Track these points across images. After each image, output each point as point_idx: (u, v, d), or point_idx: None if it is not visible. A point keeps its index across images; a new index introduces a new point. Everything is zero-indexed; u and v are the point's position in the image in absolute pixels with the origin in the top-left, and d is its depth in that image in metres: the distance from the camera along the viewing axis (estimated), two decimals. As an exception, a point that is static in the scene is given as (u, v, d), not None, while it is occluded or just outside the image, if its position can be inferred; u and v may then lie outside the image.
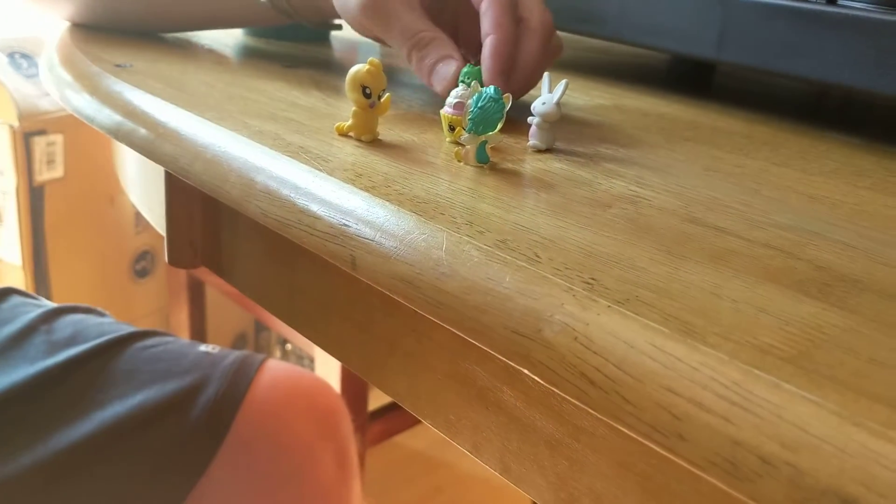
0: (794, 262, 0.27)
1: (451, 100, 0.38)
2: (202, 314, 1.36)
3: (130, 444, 0.54)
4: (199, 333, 1.38)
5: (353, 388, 1.01)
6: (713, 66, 0.69)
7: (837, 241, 0.30)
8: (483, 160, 0.35)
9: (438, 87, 0.41)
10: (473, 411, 0.32)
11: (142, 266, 1.31)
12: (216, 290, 1.37)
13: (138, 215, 1.27)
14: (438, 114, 0.39)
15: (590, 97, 0.52)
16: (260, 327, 1.59)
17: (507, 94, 0.35)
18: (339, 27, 0.60)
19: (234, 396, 0.58)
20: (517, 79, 0.42)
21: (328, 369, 1.04)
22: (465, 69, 0.41)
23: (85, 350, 0.57)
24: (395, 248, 0.28)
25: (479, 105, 0.34)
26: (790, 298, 0.24)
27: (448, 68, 0.41)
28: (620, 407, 0.21)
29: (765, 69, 0.47)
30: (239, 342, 1.53)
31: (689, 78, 0.63)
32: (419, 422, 1.31)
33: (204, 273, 1.29)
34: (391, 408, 1.21)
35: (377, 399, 1.23)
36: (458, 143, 0.36)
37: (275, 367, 0.62)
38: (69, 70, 0.51)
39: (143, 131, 0.40)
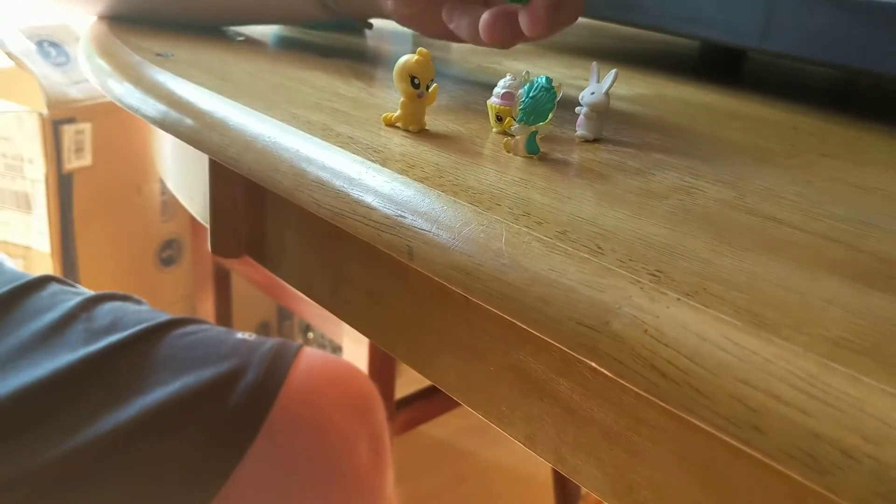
0: (856, 254, 0.27)
1: (498, 90, 0.37)
2: (228, 302, 1.37)
3: (171, 429, 0.55)
4: (224, 321, 1.39)
5: (381, 377, 1.01)
6: (743, 55, 0.68)
7: (895, 232, 0.30)
8: (533, 151, 0.35)
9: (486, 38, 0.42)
10: (527, 403, 0.32)
11: (168, 254, 1.32)
12: (241, 279, 1.37)
13: (165, 204, 1.28)
14: (483, 104, 0.39)
15: (630, 87, 0.52)
16: (283, 316, 1.59)
17: (558, 84, 0.35)
18: (370, 25, 0.60)
19: (273, 383, 0.59)
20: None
21: (356, 359, 1.05)
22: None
23: (125, 337, 0.58)
24: (453, 239, 0.28)
25: (530, 95, 0.34)
26: (857, 291, 0.24)
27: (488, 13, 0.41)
28: (694, 399, 0.21)
29: (809, 59, 0.46)
30: (262, 330, 1.54)
31: (721, 66, 0.63)
32: (444, 411, 1.31)
33: (230, 261, 1.30)
34: (416, 397, 1.21)
35: (402, 388, 1.23)
36: (506, 134, 0.36)
37: (311, 355, 0.63)
38: (109, 60, 0.51)
39: (189, 121, 0.40)
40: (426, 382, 1.26)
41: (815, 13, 0.45)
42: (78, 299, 0.61)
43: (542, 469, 1.45)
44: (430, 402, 1.21)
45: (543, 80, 0.34)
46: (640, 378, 0.22)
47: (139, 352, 0.58)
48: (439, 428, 1.52)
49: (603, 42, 0.70)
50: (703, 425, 0.21)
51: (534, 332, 0.30)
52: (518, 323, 0.26)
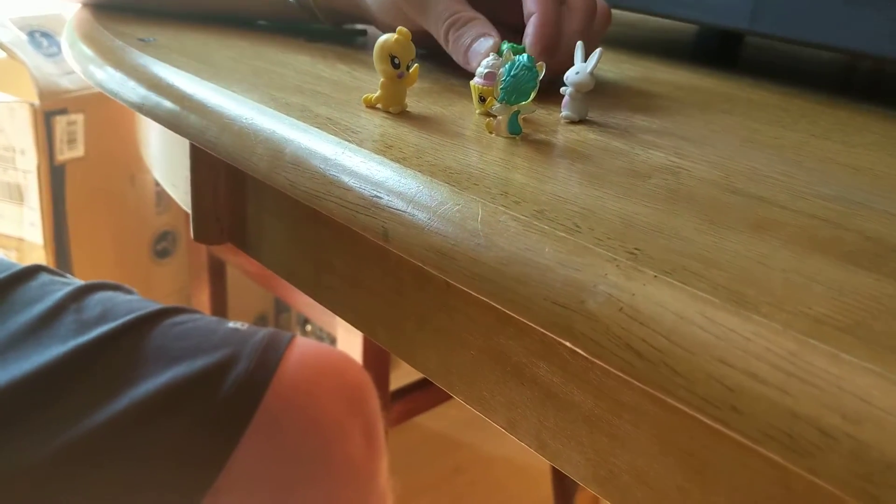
0: (843, 233, 0.26)
1: (481, 70, 0.37)
2: (223, 295, 1.37)
3: (162, 420, 0.54)
4: (220, 314, 1.38)
5: (375, 368, 1.01)
6: (740, 40, 0.67)
7: (884, 211, 0.29)
8: (515, 131, 0.34)
9: (474, 63, 0.40)
10: (508, 388, 0.31)
11: (162, 247, 1.31)
12: (237, 271, 1.37)
13: (159, 195, 1.27)
14: (467, 86, 0.38)
15: (620, 70, 0.51)
16: (280, 308, 1.59)
17: (540, 63, 0.34)
18: (364, 32, 0.59)
19: (265, 372, 0.58)
20: (562, 59, 0.40)
21: (350, 350, 1.04)
22: (503, 45, 0.39)
23: (115, 327, 0.57)
24: (429, 219, 0.27)
25: (511, 74, 0.33)
26: (842, 269, 0.24)
27: (485, 44, 0.39)
28: (670, 379, 0.21)
29: (799, 40, 0.45)
30: (259, 323, 1.53)
31: (717, 51, 0.62)
32: (440, 403, 1.30)
33: (225, 253, 1.29)
34: (412, 388, 1.21)
35: (397, 380, 1.23)
36: (489, 115, 0.36)
37: (303, 344, 0.62)
38: (91, 45, 0.50)
39: (168, 104, 0.40)
40: (419, 375, 1.25)
41: (806, -7, 0.44)
42: (68, 289, 0.61)
43: (539, 460, 1.45)
44: (426, 393, 1.20)
45: (525, 58, 0.33)
46: (616, 358, 0.22)
47: (130, 342, 0.57)
48: (436, 420, 1.52)
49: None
50: (680, 406, 0.21)
51: (513, 315, 0.29)
52: (494, 304, 0.26)
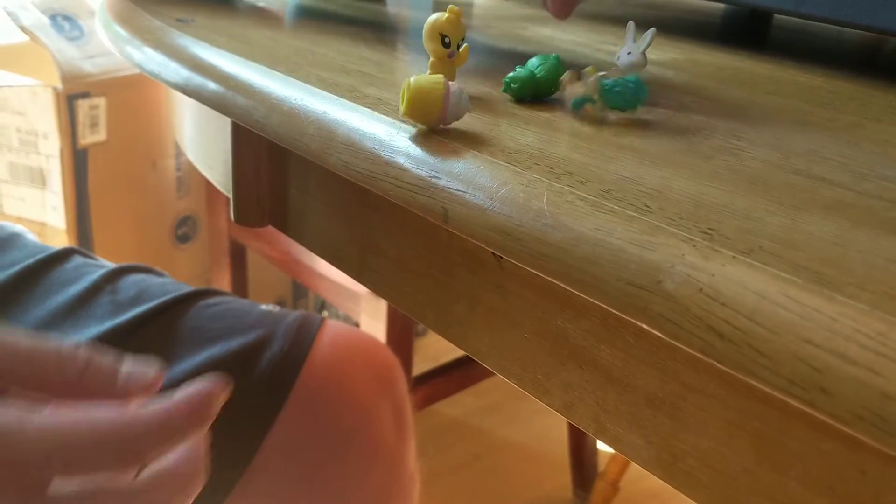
0: (913, 215, 0.26)
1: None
2: (244, 279, 1.37)
3: None
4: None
5: (398, 353, 1.00)
6: (769, 21, 0.67)
7: (951, 193, 0.28)
8: (577, 106, 0.34)
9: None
10: (566, 370, 0.31)
11: (183, 231, 1.31)
12: (257, 255, 1.37)
13: (180, 180, 1.27)
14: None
15: (662, 52, 0.50)
16: (298, 293, 1.59)
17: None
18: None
19: (298, 353, 0.58)
20: None
21: (373, 335, 1.04)
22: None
23: (150, 308, 0.57)
24: (490, 199, 0.27)
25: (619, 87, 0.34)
26: (918, 250, 0.23)
27: None
28: (754, 360, 0.20)
29: (846, 22, 0.45)
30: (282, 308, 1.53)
31: (745, 32, 0.61)
32: (460, 388, 1.30)
33: (245, 237, 1.29)
34: (433, 374, 1.21)
35: (418, 366, 1.23)
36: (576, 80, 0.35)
37: (334, 326, 0.62)
38: (127, 26, 0.50)
39: (213, 85, 0.39)
40: (442, 360, 1.25)
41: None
42: (102, 271, 0.61)
43: (557, 447, 1.45)
44: (447, 378, 1.20)
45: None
46: (695, 339, 0.21)
47: (165, 323, 0.57)
48: (455, 406, 1.52)
49: (627, 10, 0.69)
50: (763, 387, 0.20)
51: (574, 297, 0.29)
52: (562, 285, 0.25)
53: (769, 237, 0.23)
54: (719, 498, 0.26)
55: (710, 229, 0.23)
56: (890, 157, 0.32)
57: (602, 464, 1.34)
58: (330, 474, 0.59)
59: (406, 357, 1.08)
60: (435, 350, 1.67)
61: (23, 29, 1.10)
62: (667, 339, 0.22)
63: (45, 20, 1.12)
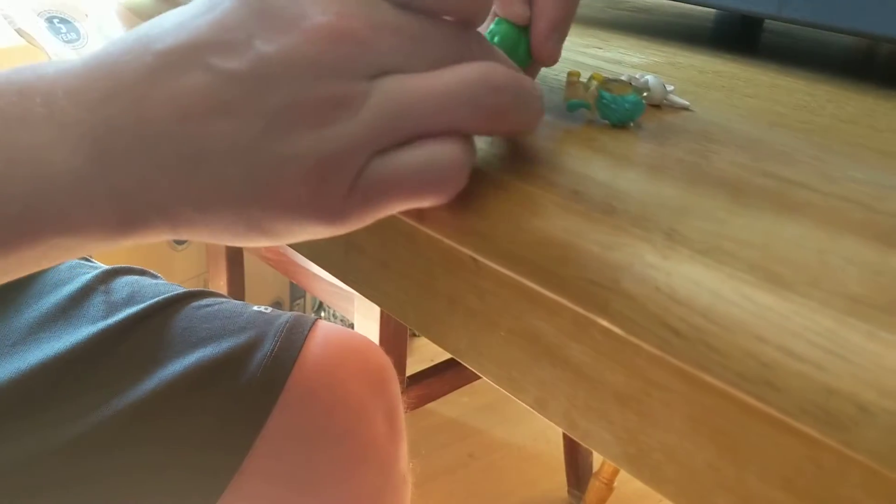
0: (875, 216, 0.27)
1: None
2: (241, 281, 1.37)
3: (189, 401, 0.55)
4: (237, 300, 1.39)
5: (391, 354, 1.01)
6: (760, 25, 0.67)
7: (916, 195, 0.29)
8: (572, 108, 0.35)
9: None
10: (539, 367, 0.31)
11: (180, 232, 1.32)
12: (254, 257, 1.37)
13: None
14: None
15: (644, 55, 0.51)
16: (295, 295, 1.60)
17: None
18: None
19: (289, 354, 0.59)
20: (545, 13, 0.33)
21: (366, 336, 1.05)
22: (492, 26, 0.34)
23: (143, 309, 0.58)
24: (464, 200, 0.28)
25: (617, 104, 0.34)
26: (876, 250, 0.24)
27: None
28: (706, 356, 0.21)
29: (827, 26, 0.45)
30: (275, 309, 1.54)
31: (737, 37, 0.62)
32: (454, 388, 1.31)
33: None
34: (427, 374, 1.21)
35: (412, 367, 1.23)
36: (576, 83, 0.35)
37: (326, 328, 0.63)
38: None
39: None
40: (435, 361, 1.26)
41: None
42: (95, 272, 0.62)
43: (552, 447, 1.45)
44: (441, 378, 1.21)
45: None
46: (652, 335, 0.22)
47: (157, 324, 0.58)
48: (450, 406, 1.53)
49: (617, 13, 0.69)
50: (715, 382, 0.21)
51: (546, 296, 0.29)
52: (530, 284, 0.26)
53: (729, 237, 0.24)
54: (684, 492, 0.27)
55: (671, 229, 0.24)
56: (860, 159, 0.33)
57: (597, 463, 1.35)
58: (321, 475, 0.60)
59: (399, 358, 1.09)
60: (431, 351, 1.68)
61: (19, 32, 1.11)
62: (626, 335, 0.23)
63: (42, 23, 1.13)
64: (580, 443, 0.30)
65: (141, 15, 0.51)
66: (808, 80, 0.48)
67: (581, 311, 0.24)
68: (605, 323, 0.23)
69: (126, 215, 0.25)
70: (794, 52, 0.59)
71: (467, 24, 0.28)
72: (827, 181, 0.30)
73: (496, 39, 0.33)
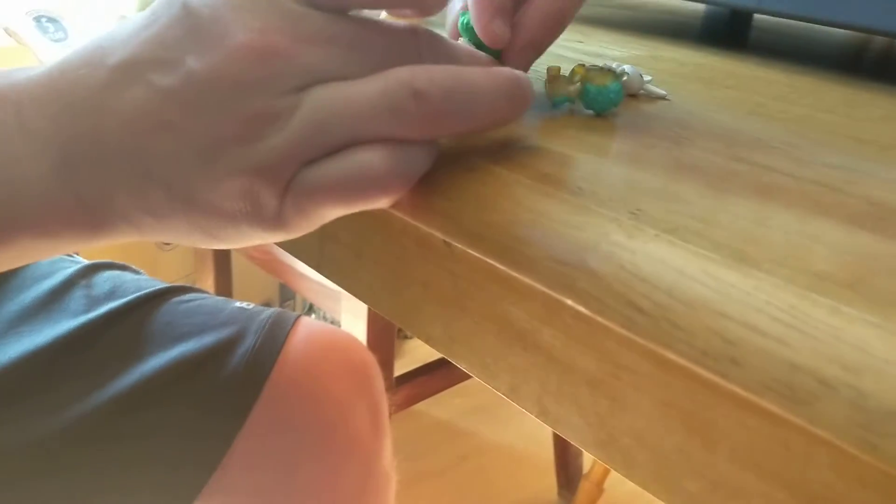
0: (846, 198, 0.26)
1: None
2: (228, 282, 1.37)
3: (171, 395, 0.55)
4: (225, 300, 1.38)
5: (379, 353, 1.01)
6: (749, 21, 0.67)
7: (889, 179, 0.29)
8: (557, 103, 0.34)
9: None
10: (511, 353, 0.31)
11: (168, 232, 1.32)
12: (242, 258, 1.37)
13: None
14: None
15: (626, 49, 0.51)
16: (285, 296, 1.59)
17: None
18: None
19: (271, 349, 0.58)
20: (523, 32, 0.32)
21: (354, 335, 1.04)
22: (463, 18, 0.33)
23: (124, 304, 0.57)
24: (434, 183, 0.28)
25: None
26: (844, 231, 0.24)
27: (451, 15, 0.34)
28: (670, 333, 0.21)
29: (807, 17, 0.45)
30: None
31: (725, 33, 0.62)
32: (444, 388, 1.31)
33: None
34: (417, 373, 1.21)
35: (401, 369, 1.23)
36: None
37: (309, 324, 0.62)
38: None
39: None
40: (424, 361, 1.26)
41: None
42: (76, 267, 0.61)
43: (542, 449, 1.45)
44: (431, 378, 1.20)
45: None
46: (617, 314, 0.22)
47: (138, 319, 0.57)
48: (441, 408, 1.53)
49: (603, 10, 0.69)
50: (680, 360, 0.21)
51: (517, 280, 0.29)
52: (499, 266, 0.26)
53: (695, 217, 0.24)
54: (654, 477, 0.26)
55: (637, 209, 0.24)
56: (836, 146, 0.33)
57: (587, 465, 1.35)
58: (304, 470, 0.59)
59: (386, 356, 1.08)
60: (422, 353, 1.68)
61: (7, 31, 1.10)
62: (591, 315, 0.23)
63: (30, 22, 1.13)
64: (552, 429, 0.30)
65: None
66: (791, 72, 0.48)
67: (549, 291, 0.24)
68: (570, 302, 0.23)
69: (94, 221, 0.27)
70: (779, 46, 0.59)
71: (416, 27, 0.28)
72: (799, 166, 0.29)
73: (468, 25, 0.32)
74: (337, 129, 0.25)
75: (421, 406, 1.41)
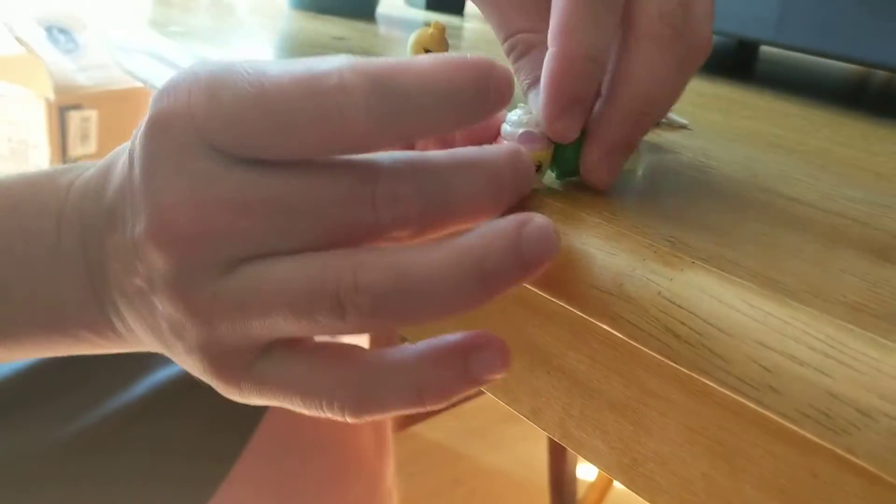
0: (872, 231, 0.27)
1: (512, 128, 0.27)
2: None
3: (179, 407, 0.54)
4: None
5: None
6: (756, 53, 0.68)
7: (911, 214, 0.29)
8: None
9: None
10: (534, 376, 0.31)
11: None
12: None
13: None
14: None
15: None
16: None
17: None
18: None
19: None
20: (602, 130, 0.26)
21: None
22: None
23: None
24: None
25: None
26: (873, 263, 0.24)
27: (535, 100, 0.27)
28: (708, 360, 0.21)
29: (823, 52, 0.46)
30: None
31: (733, 63, 0.63)
32: (441, 411, 1.30)
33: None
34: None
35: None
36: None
37: (316, 338, 0.62)
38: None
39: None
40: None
41: (829, 6, 0.45)
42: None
43: (538, 474, 1.44)
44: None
45: None
46: (653, 340, 0.22)
47: None
48: (436, 430, 1.52)
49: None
50: (716, 386, 0.21)
51: (543, 303, 0.30)
52: (531, 289, 0.26)
53: (730, 246, 0.24)
54: (678, 503, 0.27)
55: (672, 237, 0.24)
56: (855, 178, 0.33)
57: (581, 491, 1.34)
58: (308, 487, 0.59)
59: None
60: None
61: (19, 40, 1.11)
62: (626, 339, 0.23)
63: (41, 32, 1.13)
64: (575, 453, 0.30)
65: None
66: (804, 105, 0.48)
67: (582, 315, 0.24)
68: (607, 327, 0.23)
69: (120, 340, 0.29)
70: (790, 78, 0.60)
71: (376, 165, 0.23)
72: (823, 199, 0.30)
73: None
74: (257, 330, 0.24)
75: (416, 427, 1.41)
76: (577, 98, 0.25)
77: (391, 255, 0.23)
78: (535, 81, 0.27)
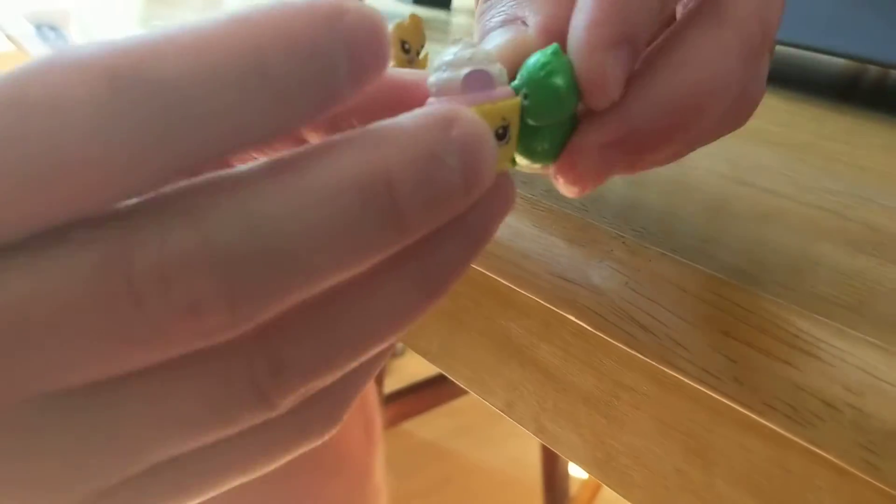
0: (847, 223, 0.27)
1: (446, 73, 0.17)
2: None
3: None
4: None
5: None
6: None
7: (888, 206, 0.29)
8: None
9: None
10: (508, 370, 0.31)
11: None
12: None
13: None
14: None
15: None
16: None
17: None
18: None
19: None
20: (623, 108, 0.18)
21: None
22: (539, 57, 0.18)
23: None
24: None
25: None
26: (846, 254, 0.24)
27: (502, 36, 0.19)
28: (672, 351, 0.21)
29: (807, 46, 0.46)
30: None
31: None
32: (431, 407, 1.30)
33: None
34: (404, 392, 1.21)
35: (389, 386, 1.22)
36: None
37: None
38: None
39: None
40: (413, 380, 1.25)
41: (814, 1, 0.44)
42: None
43: (530, 471, 1.44)
44: (418, 397, 1.20)
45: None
46: (619, 331, 0.22)
47: None
48: (427, 428, 1.52)
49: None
50: (682, 377, 0.21)
51: (516, 296, 0.29)
52: (500, 280, 0.26)
53: (699, 237, 0.24)
54: (651, 497, 0.26)
55: (641, 228, 0.24)
56: (835, 172, 0.33)
57: (573, 489, 1.34)
58: (296, 482, 0.59)
59: (379, 371, 1.08)
60: (410, 372, 1.67)
61: (9, 38, 1.10)
62: (593, 330, 0.23)
63: (31, 29, 1.13)
64: (549, 446, 0.30)
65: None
66: (791, 100, 0.48)
67: (550, 306, 0.24)
68: (573, 318, 0.23)
69: None
70: (780, 74, 0.60)
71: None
72: (803, 191, 0.30)
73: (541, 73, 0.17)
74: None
75: (407, 425, 1.40)
76: (633, 34, 0.17)
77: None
78: (508, 20, 0.19)
